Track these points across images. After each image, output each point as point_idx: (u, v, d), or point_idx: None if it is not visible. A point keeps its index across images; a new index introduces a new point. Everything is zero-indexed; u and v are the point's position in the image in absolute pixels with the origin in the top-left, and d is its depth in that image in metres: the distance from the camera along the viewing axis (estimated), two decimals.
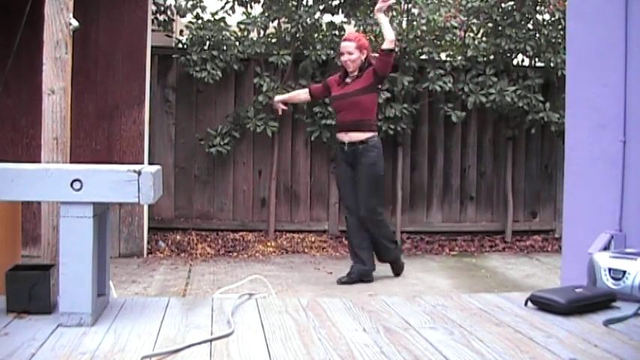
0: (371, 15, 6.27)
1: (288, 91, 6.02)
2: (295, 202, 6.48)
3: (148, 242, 5.84)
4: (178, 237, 6.06)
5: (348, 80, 4.75)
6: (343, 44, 4.78)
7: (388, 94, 6.14)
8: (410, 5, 6.43)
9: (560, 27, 6.19)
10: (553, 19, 6.32)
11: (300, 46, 6.17)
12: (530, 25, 6.40)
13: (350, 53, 4.72)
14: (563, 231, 3.60)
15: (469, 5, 6.32)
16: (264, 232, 6.31)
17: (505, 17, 6.29)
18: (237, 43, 6.05)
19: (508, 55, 6.44)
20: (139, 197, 2.02)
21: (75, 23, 2.72)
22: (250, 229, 6.33)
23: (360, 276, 4.78)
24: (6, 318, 2.06)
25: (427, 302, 2.41)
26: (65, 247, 2.01)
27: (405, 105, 6.22)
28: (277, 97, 5.21)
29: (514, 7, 6.28)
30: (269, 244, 6.09)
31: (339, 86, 4.78)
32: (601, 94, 3.24)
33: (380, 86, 5.06)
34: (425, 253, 6.17)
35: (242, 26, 6.16)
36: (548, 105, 6.30)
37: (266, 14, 6.04)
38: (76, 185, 1.99)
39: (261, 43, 6.03)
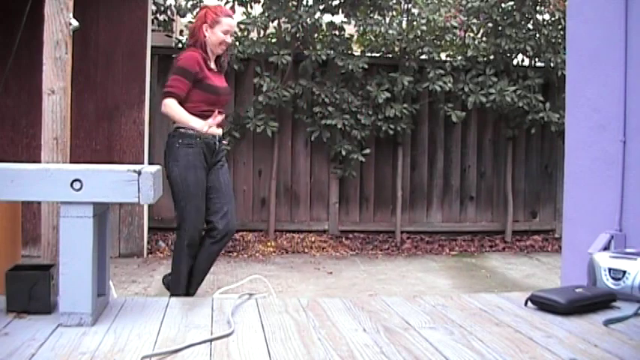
0: (371, 15, 6.28)
1: (289, 91, 6.03)
2: (295, 202, 6.48)
3: (148, 242, 5.84)
4: None
5: (214, 68, 3.71)
6: (233, 22, 3.78)
7: (388, 94, 6.14)
8: (410, 5, 6.43)
9: (560, 27, 6.19)
10: (553, 19, 6.32)
11: (300, 46, 6.17)
12: (530, 25, 6.40)
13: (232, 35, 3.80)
14: (563, 231, 3.60)
15: (469, 5, 6.32)
16: (264, 232, 6.31)
17: (505, 17, 6.29)
18: (237, 43, 6.05)
19: (508, 55, 6.44)
20: (139, 197, 2.02)
21: (75, 23, 2.72)
22: (250, 229, 6.33)
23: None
24: (6, 318, 2.06)
25: (427, 302, 2.41)
26: (65, 247, 2.01)
27: (405, 105, 6.22)
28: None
29: (514, 7, 6.28)
30: (269, 244, 6.09)
31: (213, 75, 3.67)
32: (601, 94, 3.25)
33: None
34: (425, 253, 6.18)
35: (242, 26, 6.16)
36: (548, 105, 6.30)
37: (266, 14, 6.04)
38: (76, 185, 1.99)
39: (261, 43, 6.03)
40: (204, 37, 3.62)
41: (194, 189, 3.54)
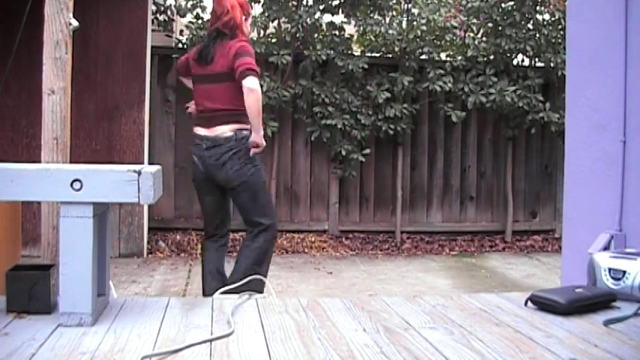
0: (371, 15, 6.28)
1: (289, 91, 6.03)
2: (295, 202, 6.48)
3: (148, 242, 5.84)
4: (178, 237, 6.06)
5: None
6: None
7: (388, 94, 6.14)
8: (410, 5, 6.44)
9: (560, 27, 6.20)
10: (553, 19, 6.32)
11: (300, 46, 6.17)
12: (530, 25, 6.40)
13: None
14: (563, 231, 3.60)
15: (469, 5, 6.33)
16: None
17: (505, 17, 6.29)
18: None
19: (508, 55, 6.44)
20: (139, 197, 2.02)
21: (75, 23, 2.72)
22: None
23: None
24: (6, 318, 2.06)
25: (427, 302, 2.41)
26: (65, 247, 2.01)
27: (405, 105, 6.22)
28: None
29: (514, 7, 6.28)
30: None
31: None
32: (601, 94, 3.24)
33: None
34: (425, 253, 6.18)
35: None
36: (548, 105, 6.31)
37: (266, 14, 6.04)
38: (76, 185, 1.99)
39: (261, 43, 6.03)
40: (247, 32, 3.53)
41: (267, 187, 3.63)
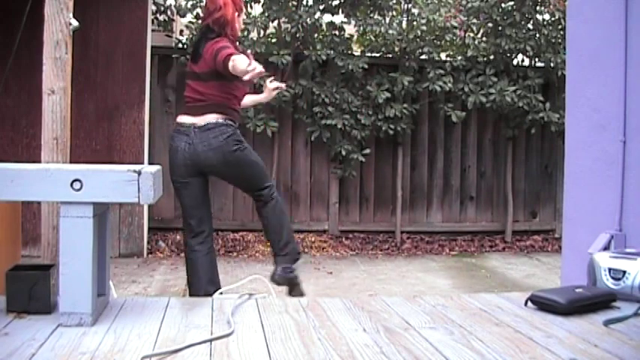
0: (371, 15, 6.28)
1: (289, 91, 6.03)
2: (295, 202, 6.48)
3: (148, 242, 5.84)
4: (178, 237, 6.06)
5: None
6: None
7: (388, 94, 6.14)
8: (410, 5, 6.44)
9: (560, 27, 6.20)
10: (553, 19, 6.32)
11: (300, 46, 6.17)
12: (530, 25, 6.40)
13: None
14: (563, 231, 3.60)
15: (469, 5, 6.33)
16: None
17: (505, 17, 6.29)
18: (237, 43, 6.04)
19: (508, 55, 6.44)
20: (139, 197, 2.02)
21: (75, 23, 2.72)
22: (250, 229, 6.33)
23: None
24: (6, 318, 2.06)
25: (427, 302, 2.41)
26: (65, 247, 2.01)
27: (405, 105, 6.22)
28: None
29: (514, 7, 6.28)
30: (269, 244, 6.08)
31: None
32: (601, 94, 3.24)
33: None
34: (425, 253, 6.18)
35: (242, 26, 6.15)
36: (548, 105, 6.31)
37: (266, 14, 6.04)
38: (76, 185, 1.99)
39: (261, 43, 6.03)
40: (238, 27, 3.51)
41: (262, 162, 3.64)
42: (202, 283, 3.52)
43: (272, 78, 3.73)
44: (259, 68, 3.14)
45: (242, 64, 3.17)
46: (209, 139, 3.38)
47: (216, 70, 3.31)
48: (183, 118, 3.46)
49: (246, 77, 3.16)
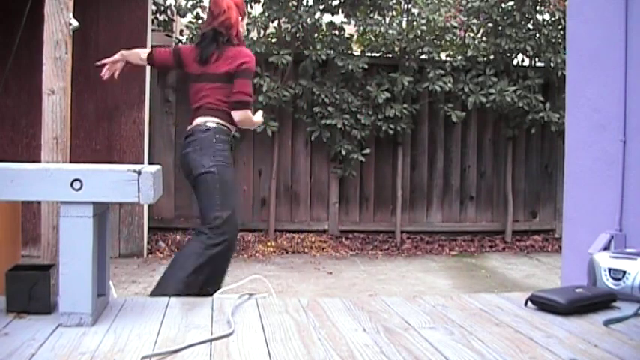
0: (371, 15, 6.28)
1: (289, 91, 6.03)
2: (295, 202, 6.48)
3: (148, 242, 5.84)
4: (178, 237, 6.06)
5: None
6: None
7: (388, 94, 6.14)
8: (410, 5, 6.44)
9: (560, 27, 6.20)
10: (553, 19, 6.32)
11: (300, 46, 6.17)
12: (530, 25, 6.40)
13: None
14: (563, 231, 3.60)
15: (469, 5, 6.33)
16: (264, 232, 6.31)
17: (505, 17, 6.29)
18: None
19: (508, 55, 6.44)
20: (139, 197, 2.02)
21: (75, 23, 2.72)
22: (250, 229, 6.33)
23: None
24: (6, 318, 2.06)
25: (427, 302, 2.41)
26: (65, 247, 2.01)
27: (405, 105, 6.22)
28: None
29: (514, 7, 6.28)
30: (269, 244, 6.09)
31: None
32: (601, 94, 3.24)
33: None
34: (425, 253, 6.18)
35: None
36: (548, 105, 6.31)
37: (266, 14, 6.04)
38: (76, 185, 1.99)
39: (261, 43, 6.03)
40: (242, 31, 3.60)
41: (231, 185, 3.42)
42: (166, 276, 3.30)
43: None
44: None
45: (248, 120, 3.41)
46: (184, 146, 3.43)
47: (232, 76, 3.39)
48: (189, 125, 3.52)
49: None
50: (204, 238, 3.27)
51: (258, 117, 3.63)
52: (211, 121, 3.37)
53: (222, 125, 3.39)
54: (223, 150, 3.35)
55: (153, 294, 3.18)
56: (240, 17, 3.53)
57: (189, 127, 3.44)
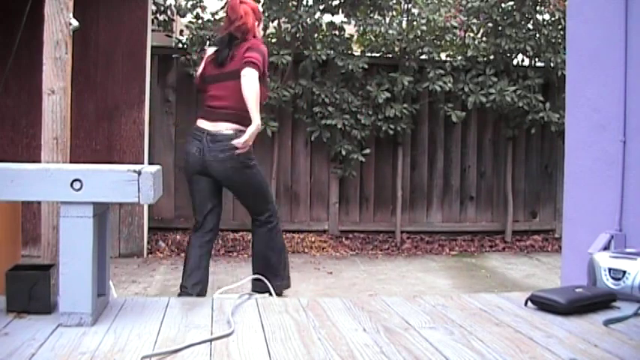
0: (371, 15, 6.28)
1: (289, 91, 6.03)
2: (295, 202, 6.48)
3: (148, 242, 5.84)
4: (178, 237, 6.06)
5: None
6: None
7: (388, 94, 6.14)
8: (410, 5, 6.43)
9: (560, 27, 6.19)
10: (553, 19, 6.32)
11: (300, 46, 6.17)
12: (530, 25, 6.40)
13: None
14: (563, 231, 3.60)
15: (469, 5, 6.32)
16: None
17: (505, 17, 6.29)
18: None
19: (508, 55, 6.44)
20: (139, 197, 2.02)
21: (75, 23, 2.72)
22: (250, 228, 6.31)
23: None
24: (6, 318, 2.06)
25: (427, 302, 2.41)
26: (65, 247, 2.01)
27: (405, 105, 6.22)
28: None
29: (514, 7, 6.28)
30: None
31: None
32: (601, 94, 3.24)
33: None
34: (425, 253, 6.18)
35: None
36: (548, 105, 6.30)
37: (266, 14, 6.03)
38: (76, 185, 1.99)
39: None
40: (259, 36, 3.75)
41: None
42: (184, 276, 3.66)
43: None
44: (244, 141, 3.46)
45: (253, 95, 3.40)
46: (217, 151, 3.56)
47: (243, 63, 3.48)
48: (200, 122, 3.64)
49: (238, 145, 3.45)
50: (271, 226, 3.83)
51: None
52: (236, 129, 3.55)
53: (241, 130, 3.56)
54: (250, 151, 3.66)
55: (255, 289, 3.34)
56: (256, 22, 3.70)
57: (215, 131, 3.56)
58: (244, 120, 3.49)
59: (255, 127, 3.47)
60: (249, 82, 3.41)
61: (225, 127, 3.56)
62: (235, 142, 3.48)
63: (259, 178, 3.79)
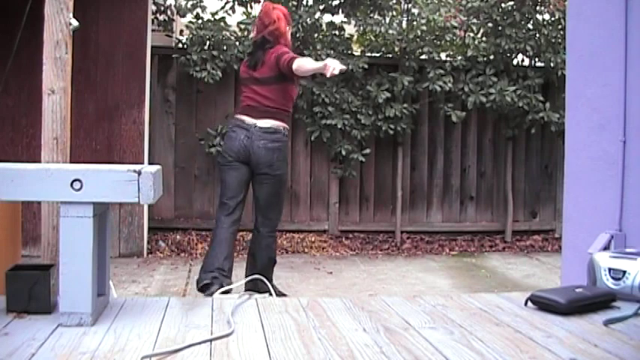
0: (371, 15, 6.28)
1: None
2: (295, 202, 6.48)
3: (148, 242, 5.84)
4: (178, 237, 6.06)
5: None
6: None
7: (388, 94, 6.14)
8: (410, 5, 6.43)
9: (560, 27, 6.19)
10: (553, 19, 6.32)
11: (300, 46, 6.17)
12: (530, 25, 6.40)
13: None
14: (563, 231, 3.60)
15: (469, 5, 6.32)
16: None
17: (505, 17, 6.29)
18: (237, 43, 6.05)
19: (508, 55, 6.44)
20: (139, 197, 2.02)
21: (75, 23, 2.72)
22: (250, 229, 6.27)
23: None
24: (6, 318, 2.06)
25: (427, 302, 2.41)
26: (65, 247, 2.01)
27: (405, 105, 6.22)
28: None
29: (514, 7, 6.28)
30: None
31: None
32: (601, 94, 3.24)
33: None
34: (425, 253, 6.18)
35: (242, 26, 6.15)
36: (548, 105, 6.30)
37: None
38: (76, 185, 1.99)
39: None
40: (290, 39, 4.01)
41: None
42: (219, 258, 3.82)
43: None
44: (338, 67, 3.53)
45: (308, 63, 3.69)
46: (267, 139, 3.81)
47: (280, 73, 3.73)
48: (244, 117, 3.86)
49: (328, 73, 3.53)
50: (271, 241, 4.03)
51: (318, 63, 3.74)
52: (281, 126, 3.83)
53: (286, 130, 3.91)
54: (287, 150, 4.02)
55: (247, 289, 3.32)
56: (288, 27, 3.93)
57: (264, 123, 3.80)
58: (285, 117, 3.87)
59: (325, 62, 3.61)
60: (301, 62, 3.63)
61: (272, 123, 3.82)
62: (329, 60, 3.58)
63: (285, 188, 4.08)
